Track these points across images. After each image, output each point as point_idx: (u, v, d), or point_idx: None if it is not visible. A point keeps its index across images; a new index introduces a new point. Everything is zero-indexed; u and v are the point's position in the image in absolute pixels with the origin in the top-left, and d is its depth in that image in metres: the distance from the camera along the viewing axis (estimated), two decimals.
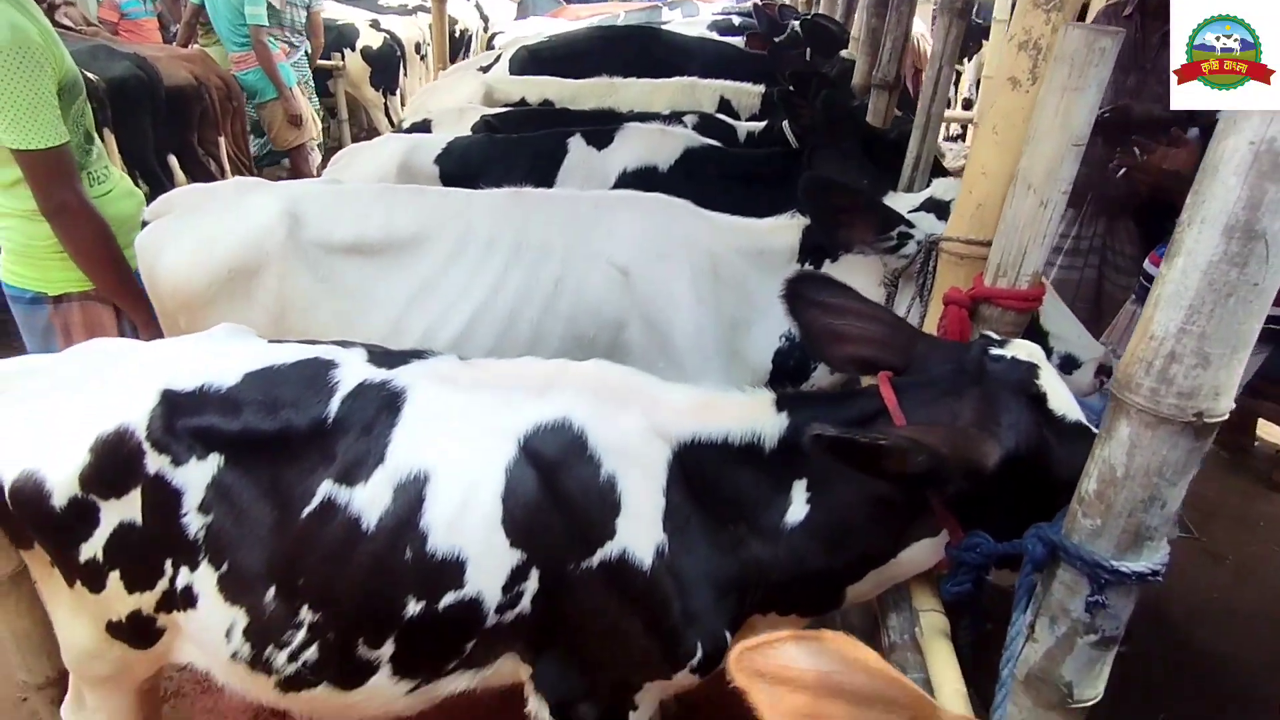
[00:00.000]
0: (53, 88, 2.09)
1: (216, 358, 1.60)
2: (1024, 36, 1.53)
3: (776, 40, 4.88)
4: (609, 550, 1.41)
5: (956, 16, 2.11)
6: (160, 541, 1.51)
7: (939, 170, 2.41)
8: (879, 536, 1.42)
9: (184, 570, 1.52)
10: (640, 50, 4.52)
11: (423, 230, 2.17)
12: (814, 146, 2.22)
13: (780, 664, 0.79)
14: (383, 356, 1.62)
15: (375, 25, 7.50)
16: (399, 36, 7.57)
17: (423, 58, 7.97)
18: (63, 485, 1.47)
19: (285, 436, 1.49)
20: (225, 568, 1.50)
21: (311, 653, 1.50)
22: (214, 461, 1.49)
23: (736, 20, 6.43)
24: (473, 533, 1.43)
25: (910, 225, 1.90)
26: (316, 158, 7.04)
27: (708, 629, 1.45)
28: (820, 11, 5.23)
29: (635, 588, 1.41)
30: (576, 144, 2.76)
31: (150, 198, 5.58)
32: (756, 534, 1.44)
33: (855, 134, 2.45)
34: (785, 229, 2.13)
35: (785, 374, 2.20)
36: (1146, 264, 2.79)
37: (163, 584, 1.54)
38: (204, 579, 1.52)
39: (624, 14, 7.74)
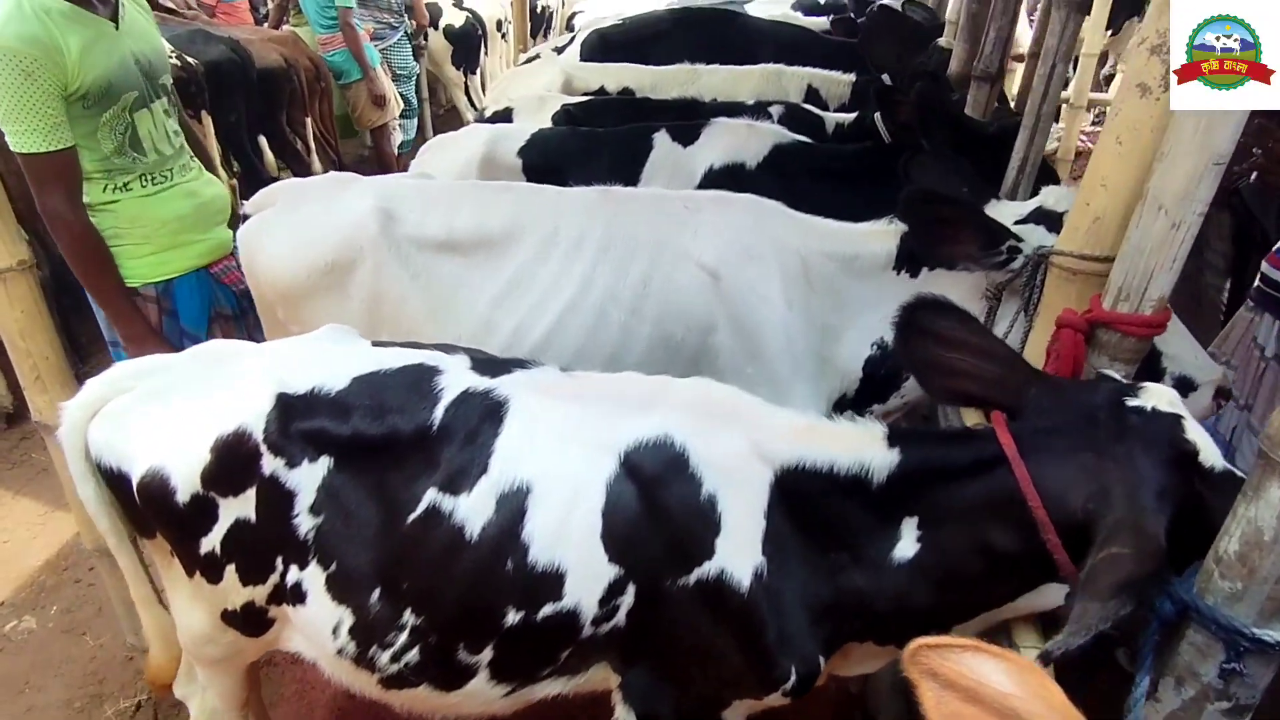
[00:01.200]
0: (46, 97, 2.10)
1: (325, 360, 1.65)
2: (1157, 40, 1.41)
3: (859, 21, 4.71)
4: (706, 569, 1.40)
5: (1074, 10, 1.98)
6: (273, 539, 1.57)
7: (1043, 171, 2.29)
8: (995, 583, 1.37)
9: (294, 568, 1.58)
10: (715, 35, 4.38)
11: (513, 227, 2.18)
12: (911, 150, 2.13)
13: (957, 670, 0.79)
14: (485, 364, 1.65)
15: (458, 4, 7.54)
16: (481, 15, 7.59)
17: (504, 36, 7.99)
18: (186, 482, 1.55)
19: (392, 442, 1.53)
20: (333, 568, 1.55)
21: (413, 654, 1.55)
22: (324, 464, 1.54)
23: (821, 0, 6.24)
24: (573, 546, 1.44)
25: (1018, 239, 1.81)
26: (398, 137, 7.18)
27: (802, 653, 1.44)
28: None
29: (731, 608, 1.41)
30: (662, 139, 2.72)
31: (241, 176, 5.76)
32: (859, 564, 1.42)
33: (952, 131, 2.34)
34: (882, 235, 2.07)
35: (876, 382, 2.14)
36: (1265, 266, 2.60)
37: (274, 578, 1.61)
38: (313, 577, 1.57)
39: None
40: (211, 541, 1.59)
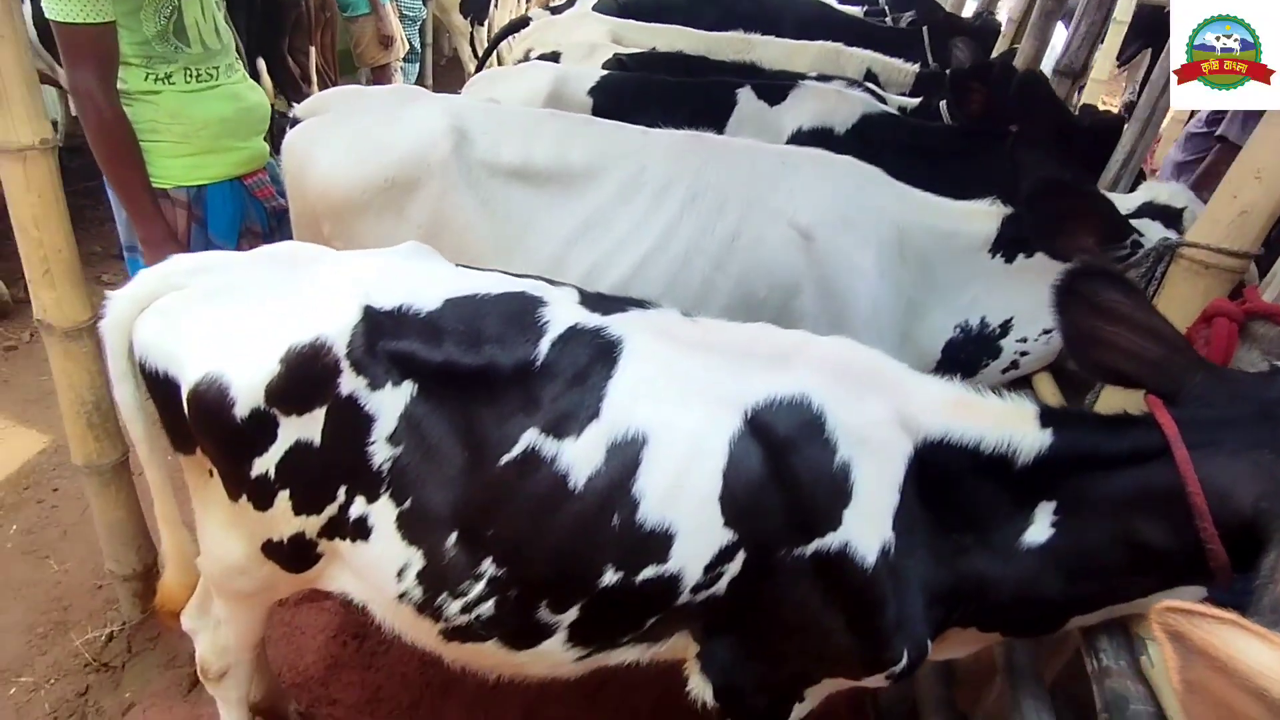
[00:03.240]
0: None
1: (415, 277, 1.49)
2: None
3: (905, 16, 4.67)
4: (829, 541, 1.31)
5: None
6: (339, 466, 1.42)
7: None
8: (1132, 578, 1.30)
9: (360, 500, 1.44)
10: (730, 8, 4.25)
11: (595, 163, 2.05)
12: (1017, 138, 2.07)
13: (1210, 640, 0.76)
14: (596, 300, 1.51)
15: None
16: None
17: None
18: (247, 394, 1.37)
19: (487, 374, 1.39)
20: (408, 505, 1.41)
21: (488, 607, 1.43)
22: (408, 390, 1.39)
23: None
24: (687, 507, 1.33)
25: (1140, 233, 1.77)
26: (398, 81, 6.92)
27: (915, 637, 1.36)
28: None
29: (851, 584, 1.32)
30: (747, 96, 2.60)
31: None
32: (983, 546, 1.34)
33: (1054, 123, 2.29)
34: (983, 215, 2.00)
35: (954, 366, 2.09)
36: None
37: (331, 509, 1.46)
38: (382, 513, 1.43)
39: None
40: (266, 463, 1.42)
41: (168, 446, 1.61)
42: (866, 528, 1.31)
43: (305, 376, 1.38)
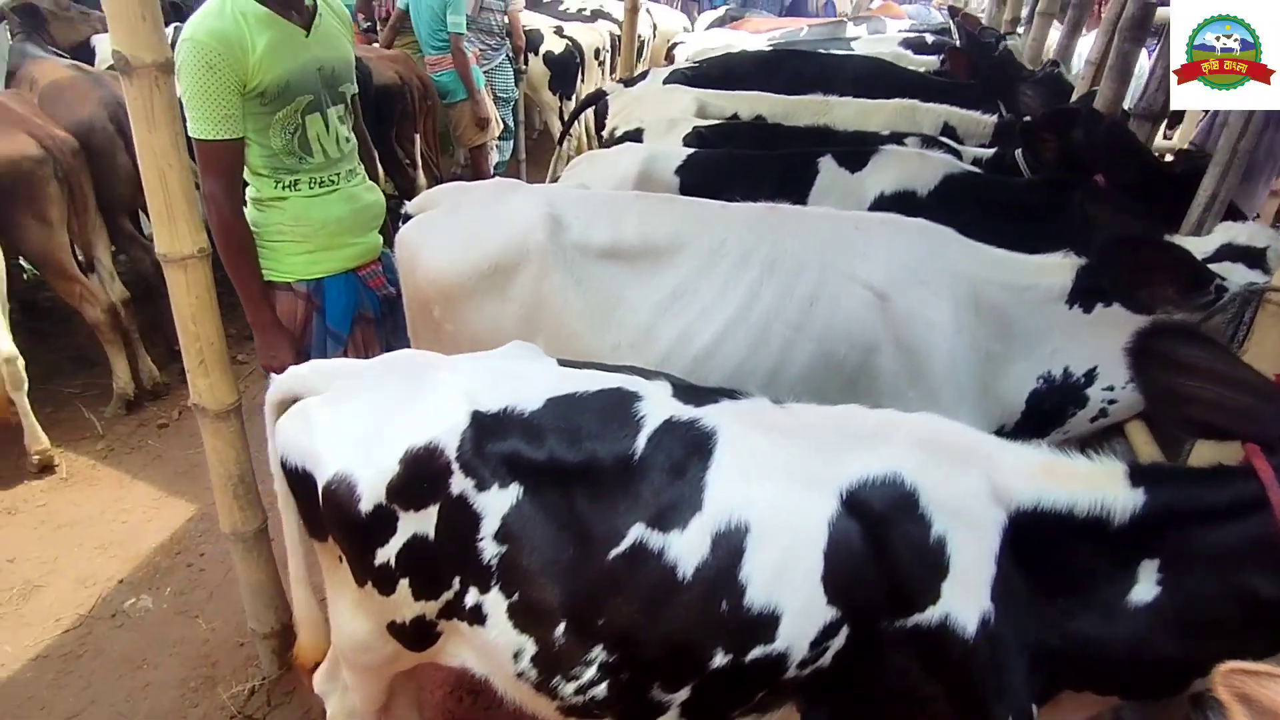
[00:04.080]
0: (223, 89, 2.23)
1: (517, 379, 1.62)
2: None
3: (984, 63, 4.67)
4: (930, 614, 1.35)
5: None
6: (452, 559, 1.54)
7: None
8: (1250, 633, 1.29)
9: (473, 590, 1.55)
10: (798, 72, 4.37)
11: (678, 238, 2.20)
12: (1086, 191, 2.09)
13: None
14: (688, 392, 1.60)
15: (559, 31, 7.74)
16: (580, 43, 7.78)
17: (600, 64, 8.17)
18: (371, 492, 1.52)
19: (589, 470, 1.49)
20: (516, 597, 1.52)
21: (601, 690, 1.51)
22: (514, 491, 1.50)
23: (930, 39, 6.23)
24: (791, 589, 1.40)
25: (1222, 277, 1.77)
26: (494, 158, 7.36)
27: (1018, 704, 1.38)
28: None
29: (951, 655, 1.35)
30: (828, 165, 2.71)
31: None
32: (1089, 609, 1.36)
33: (1138, 168, 2.30)
34: (1057, 268, 2.04)
35: (1039, 416, 2.10)
36: None
37: (447, 595, 1.58)
38: (494, 603, 1.54)
39: (807, 29, 7.65)
40: (387, 554, 1.56)
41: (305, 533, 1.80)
42: (965, 599, 1.34)
43: (420, 476, 1.51)
